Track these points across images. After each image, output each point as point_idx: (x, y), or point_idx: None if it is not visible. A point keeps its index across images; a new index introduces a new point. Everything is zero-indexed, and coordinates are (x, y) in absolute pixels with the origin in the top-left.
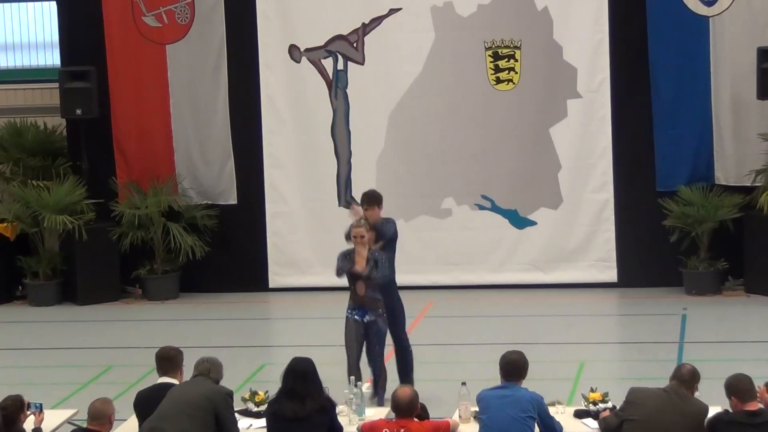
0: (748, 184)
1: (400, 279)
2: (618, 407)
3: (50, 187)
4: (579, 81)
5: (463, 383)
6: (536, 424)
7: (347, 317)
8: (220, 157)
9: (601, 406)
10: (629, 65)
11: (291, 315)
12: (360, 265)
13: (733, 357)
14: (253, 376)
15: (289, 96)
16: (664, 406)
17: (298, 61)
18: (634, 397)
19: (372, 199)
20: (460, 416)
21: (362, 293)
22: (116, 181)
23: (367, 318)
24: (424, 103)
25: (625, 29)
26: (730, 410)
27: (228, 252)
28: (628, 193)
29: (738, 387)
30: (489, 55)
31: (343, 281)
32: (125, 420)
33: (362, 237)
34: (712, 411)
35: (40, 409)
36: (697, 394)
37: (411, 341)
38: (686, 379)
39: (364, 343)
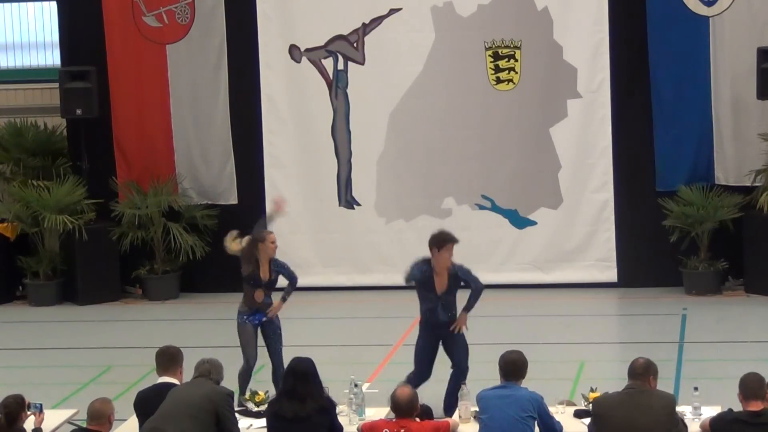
0: (748, 184)
1: (400, 279)
2: (591, 419)
3: (50, 187)
4: (579, 81)
5: (463, 383)
6: (536, 424)
7: (242, 323)
8: (220, 157)
9: None
10: (629, 65)
11: (291, 315)
12: (264, 274)
13: (733, 357)
14: (254, 375)
15: (289, 96)
16: (630, 410)
17: (298, 61)
18: (600, 409)
19: (448, 240)
20: (460, 416)
21: (260, 300)
22: (116, 181)
23: (263, 319)
24: (424, 103)
25: (625, 29)
26: (734, 409)
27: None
28: (628, 193)
29: (745, 384)
30: (489, 55)
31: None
32: (125, 420)
33: (273, 243)
34: (712, 411)
35: (40, 410)
36: (696, 394)
37: (411, 341)
38: (641, 372)
39: (263, 341)
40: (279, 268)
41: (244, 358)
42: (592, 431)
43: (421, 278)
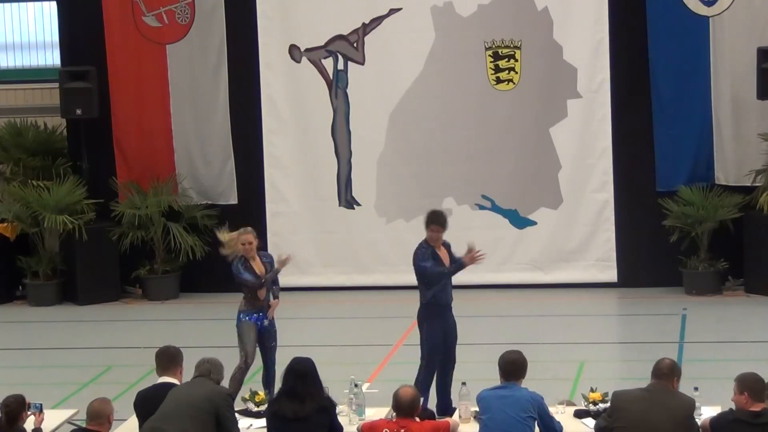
0: (748, 184)
1: (400, 279)
2: (605, 412)
3: (50, 187)
4: (579, 81)
5: (463, 383)
6: (536, 424)
7: (245, 321)
8: (220, 157)
9: (602, 406)
10: (629, 65)
11: (291, 315)
12: (261, 270)
13: (733, 357)
14: (253, 376)
15: (289, 96)
16: (649, 406)
17: (298, 61)
18: (619, 402)
19: (444, 221)
20: (460, 416)
21: (263, 297)
22: (116, 181)
23: (265, 321)
24: (424, 103)
25: (625, 29)
26: (734, 408)
27: None
28: (628, 193)
29: (750, 386)
30: (489, 55)
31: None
32: (125, 420)
33: (251, 243)
34: (712, 411)
35: (40, 410)
36: (696, 394)
37: (410, 341)
38: (666, 372)
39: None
40: (267, 258)
41: (243, 354)
42: (600, 426)
43: (431, 255)
